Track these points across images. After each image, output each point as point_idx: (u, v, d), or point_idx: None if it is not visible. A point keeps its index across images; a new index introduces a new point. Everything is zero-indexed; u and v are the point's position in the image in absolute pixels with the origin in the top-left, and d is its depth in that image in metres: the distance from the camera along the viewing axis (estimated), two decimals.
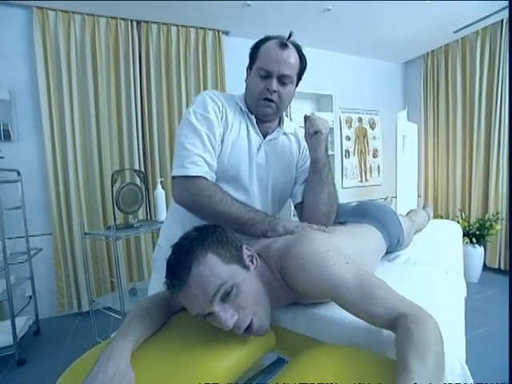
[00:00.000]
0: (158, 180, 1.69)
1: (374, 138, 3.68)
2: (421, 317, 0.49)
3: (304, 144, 0.96)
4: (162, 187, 1.71)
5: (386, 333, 0.59)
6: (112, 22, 2.37)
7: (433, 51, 3.36)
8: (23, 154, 2.23)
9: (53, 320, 2.34)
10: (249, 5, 2.31)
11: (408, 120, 3.35)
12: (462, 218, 2.82)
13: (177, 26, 2.54)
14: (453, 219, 3.02)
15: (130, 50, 2.40)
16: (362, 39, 3.02)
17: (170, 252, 0.59)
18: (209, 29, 2.64)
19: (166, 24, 2.51)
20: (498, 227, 2.64)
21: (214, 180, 0.81)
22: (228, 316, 0.55)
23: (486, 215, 2.77)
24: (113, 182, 1.41)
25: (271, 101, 0.84)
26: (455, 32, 2.95)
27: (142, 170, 2.47)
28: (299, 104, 2.99)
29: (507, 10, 2.56)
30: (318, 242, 0.64)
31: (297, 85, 0.89)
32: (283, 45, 0.82)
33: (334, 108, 3.09)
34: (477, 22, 2.75)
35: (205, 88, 2.64)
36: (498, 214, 2.72)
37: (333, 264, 0.58)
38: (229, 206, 0.77)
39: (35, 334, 2.12)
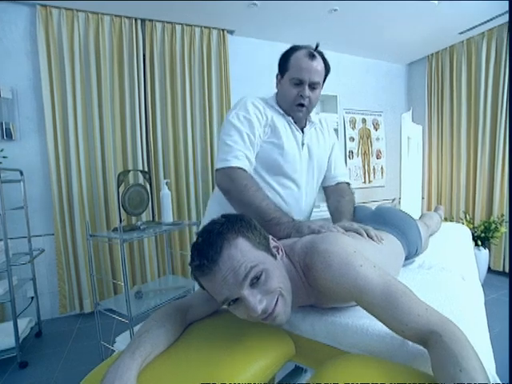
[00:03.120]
0: (164, 181, 1.66)
1: (378, 139, 3.66)
2: (456, 334, 0.48)
3: (329, 130, 1.12)
4: (168, 188, 1.68)
5: (411, 344, 0.57)
6: (116, 21, 2.34)
7: (437, 52, 3.35)
8: (26, 154, 2.21)
9: (54, 321, 2.31)
10: (255, 4, 2.29)
11: (413, 121, 3.33)
12: (466, 220, 2.81)
13: (181, 24, 2.52)
14: (457, 221, 3.01)
15: (135, 48, 2.37)
16: (368, 40, 3.01)
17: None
18: (213, 28, 2.62)
19: (171, 23, 2.48)
20: (504, 230, 2.63)
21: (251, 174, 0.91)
22: (257, 301, 0.55)
23: (491, 217, 2.76)
24: (119, 183, 1.38)
25: (303, 106, 0.96)
26: (461, 33, 2.93)
27: (146, 170, 2.45)
28: None
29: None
30: (345, 243, 0.63)
31: (323, 84, 1.00)
32: (312, 55, 0.94)
33: (338, 109, 3.07)
34: (483, 23, 2.74)
35: (209, 88, 2.62)
36: (502, 216, 2.71)
37: (359, 265, 0.57)
38: (260, 199, 0.83)
39: (37, 335, 2.09)
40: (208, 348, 0.63)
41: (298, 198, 1.01)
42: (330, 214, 1.10)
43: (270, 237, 0.65)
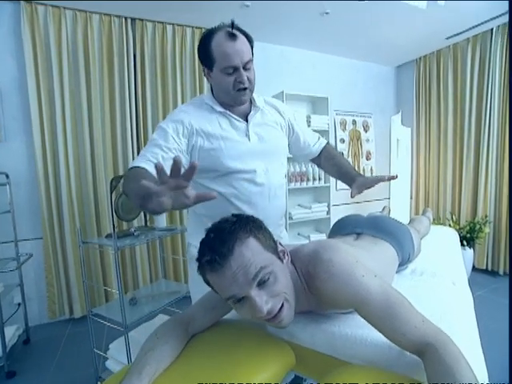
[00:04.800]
0: None
1: (368, 140, 3.72)
2: (450, 346, 0.50)
3: (279, 107, 1.09)
4: None
5: (409, 354, 0.59)
6: (105, 19, 2.28)
7: (425, 56, 3.42)
8: (11, 156, 2.14)
9: (43, 327, 2.26)
10: (247, 6, 2.28)
11: (402, 124, 3.41)
12: (452, 221, 2.90)
13: (172, 24, 2.48)
14: (443, 222, 3.10)
15: (125, 48, 2.33)
16: (358, 42, 3.04)
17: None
18: (205, 29, 2.59)
19: (162, 23, 2.44)
20: (487, 230, 2.73)
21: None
22: (263, 302, 0.56)
23: (476, 218, 2.85)
24: (111, 189, 1.36)
25: (245, 89, 0.90)
26: (447, 38, 3.01)
27: None
28: (295, 106, 2.99)
29: (499, 19, 2.63)
30: (348, 252, 0.65)
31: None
32: (232, 36, 0.84)
33: (329, 111, 3.10)
34: (468, 29, 2.81)
35: (201, 88, 2.60)
36: (486, 217, 2.81)
37: (362, 276, 0.59)
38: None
39: (25, 343, 2.04)
40: (210, 362, 0.63)
41: (261, 186, 0.98)
42: (338, 178, 1.12)
43: (278, 241, 0.66)
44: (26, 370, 1.76)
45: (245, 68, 0.88)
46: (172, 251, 2.58)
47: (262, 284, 0.56)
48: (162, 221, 1.59)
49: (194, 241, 1.05)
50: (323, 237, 3.13)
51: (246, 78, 0.88)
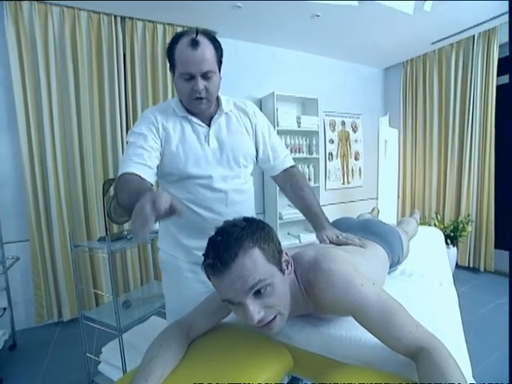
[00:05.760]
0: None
1: (356, 141, 3.79)
2: (442, 350, 0.53)
3: (252, 111, 1.05)
4: None
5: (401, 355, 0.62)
6: (94, 17, 2.24)
7: (412, 59, 3.51)
8: None
9: (30, 331, 2.21)
10: (239, 6, 2.28)
11: (390, 125, 3.49)
12: (437, 220, 3.00)
13: (163, 24, 2.46)
14: (429, 221, 3.20)
15: (114, 47, 2.29)
16: (348, 44, 3.09)
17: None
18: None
19: (152, 22, 2.42)
20: (470, 229, 2.84)
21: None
22: (256, 311, 0.58)
23: (459, 217, 2.96)
24: (104, 193, 1.34)
25: (201, 98, 0.90)
26: (433, 43, 3.10)
27: None
28: (286, 108, 3.01)
29: (480, 26, 2.73)
30: (346, 261, 0.67)
31: (220, 66, 0.93)
32: (194, 44, 0.84)
33: (319, 112, 3.15)
34: (452, 35, 2.91)
35: None
36: (469, 216, 2.92)
37: (360, 284, 0.61)
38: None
39: (11, 348, 1.99)
40: (213, 365, 0.65)
41: (218, 192, 0.96)
42: (299, 210, 1.08)
43: (284, 251, 0.66)
44: (13, 376, 1.72)
45: (204, 77, 0.87)
46: None
47: (258, 294, 0.58)
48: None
49: (162, 245, 1.07)
50: (312, 236, 3.18)
51: (202, 87, 0.87)
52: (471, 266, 3.00)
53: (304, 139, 3.16)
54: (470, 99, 2.94)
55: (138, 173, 0.81)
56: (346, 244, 0.92)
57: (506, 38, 2.72)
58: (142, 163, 0.84)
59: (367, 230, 1.02)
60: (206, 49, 0.85)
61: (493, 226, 2.84)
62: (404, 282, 1.02)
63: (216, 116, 0.98)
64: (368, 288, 0.61)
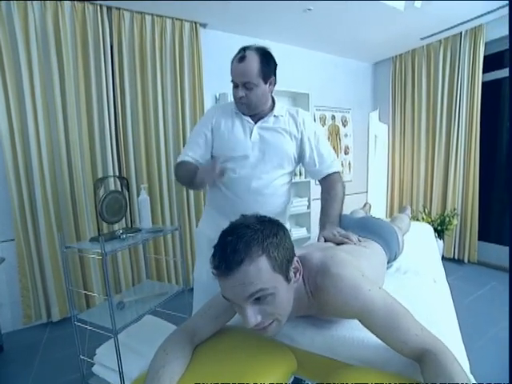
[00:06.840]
0: (142, 186, 1.59)
1: (346, 135, 3.81)
2: (446, 352, 0.55)
3: (302, 119, 1.20)
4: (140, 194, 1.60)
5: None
6: (78, 7, 2.13)
7: (401, 55, 3.54)
8: None
9: (17, 333, 2.15)
10: None
11: (379, 120, 3.52)
12: (425, 214, 3.08)
13: (152, 15, 2.37)
14: (416, 214, 3.28)
15: (101, 38, 2.19)
16: (338, 39, 3.08)
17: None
18: (186, 20, 2.51)
19: (140, 12, 2.33)
20: (455, 222, 2.93)
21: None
22: (253, 316, 0.59)
23: (446, 211, 3.05)
24: (95, 191, 1.30)
25: (242, 103, 1.12)
26: (422, 39, 3.13)
27: (116, 173, 2.32)
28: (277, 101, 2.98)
29: (467, 24, 2.78)
30: (354, 266, 0.68)
31: (268, 78, 1.11)
32: (241, 58, 1.06)
33: (310, 106, 3.14)
34: (441, 31, 2.95)
35: (181, 82, 2.52)
36: (455, 210, 3.01)
37: (368, 290, 0.62)
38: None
39: None
40: (219, 369, 0.65)
41: (241, 177, 1.13)
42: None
43: (296, 258, 0.65)
44: (2, 380, 1.67)
45: (245, 87, 1.07)
46: (154, 251, 2.53)
47: (258, 300, 0.58)
48: (147, 222, 1.55)
49: (202, 226, 1.32)
50: (303, 230, 3.21)
51: (241, 94, 1.08)
52: (456, 257, 3.11)
53: None
54: (457, 95, 3.00)
55: (190, 161, 1.15)
56: (343, 242, 0.93)
57: (492, 36, 2.77)
58: (192, 156, 1.16)
59: (366, 228, 1.03)
60: (251, 63, 1.05)
61: (477, 219, 2.94)
62: (400, 280, 1.04)
63: (266, 118, 1.16)
64: (375, 293, 0.62)
